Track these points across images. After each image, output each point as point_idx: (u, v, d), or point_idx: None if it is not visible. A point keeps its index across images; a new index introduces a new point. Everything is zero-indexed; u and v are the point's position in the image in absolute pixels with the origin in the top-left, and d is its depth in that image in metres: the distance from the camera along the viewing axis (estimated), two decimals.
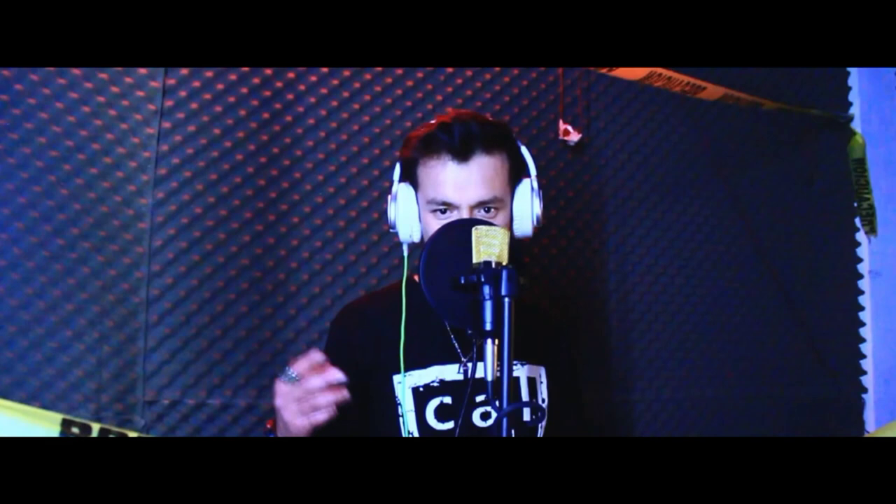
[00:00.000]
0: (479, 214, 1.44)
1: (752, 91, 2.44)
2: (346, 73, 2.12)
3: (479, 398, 1.47)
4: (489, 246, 1.27)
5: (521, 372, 1.51)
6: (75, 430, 1.15)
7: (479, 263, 1.26)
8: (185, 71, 1.95)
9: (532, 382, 1.52)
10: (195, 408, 1.89)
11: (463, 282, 1.25)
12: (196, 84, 1.96)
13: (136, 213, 1.89)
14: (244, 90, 2.00)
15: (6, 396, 1.74)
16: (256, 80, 2.01)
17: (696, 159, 2.52)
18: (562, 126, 2.31)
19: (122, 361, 1.85)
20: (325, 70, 2.08)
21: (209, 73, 1.97)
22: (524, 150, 1.52)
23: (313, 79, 2.07)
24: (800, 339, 2.61)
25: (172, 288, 1.90)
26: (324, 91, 2.08)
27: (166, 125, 1.93)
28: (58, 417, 1.21)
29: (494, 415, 1.47)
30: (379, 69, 2.15)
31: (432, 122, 1.48)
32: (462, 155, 1.42)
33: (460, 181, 1.42)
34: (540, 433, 1.52)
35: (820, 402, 2.61)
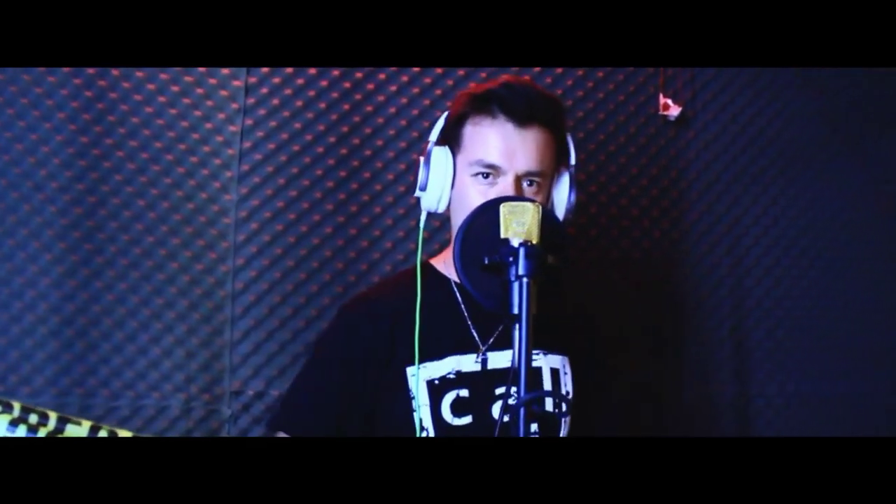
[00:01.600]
0: (524, 186, 1.36)
1: None
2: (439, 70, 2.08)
3: (499, 390, 1.38)
4: (519, 224, 1.19)
5: (542, 362, 1.41)
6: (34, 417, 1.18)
7: (505, 241, 1.18)
8: (265, 69, 1.99)
9: (555, 374, 1.42)
10: (279, 399, 1.92)
11: (487, 262, 1.18)
12: (277, 80, 1.99)
13: (221, 209, 1.95)
14: (324, 83, 2.01)
15: (105, 387, 1.85)
16: (336, 73, 2.02)
17: (818, 132, 2.27)
18: (662, 100, 2.16)
19: (210, 353, 1.91)
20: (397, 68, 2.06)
21: (289, 70, 2.00)
22: (569, 134, 1.44)
23: (384, 75, 2.05)
24: None
25: (256, 281, 1.94)
26: (404, 80, 2.06)
27: (249, 122, 1.97)
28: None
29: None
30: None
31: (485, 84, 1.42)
32: (522, 119, 1.34)
33: (513, 145, 1.34)
34: (564, 428, 1.41)
35: None
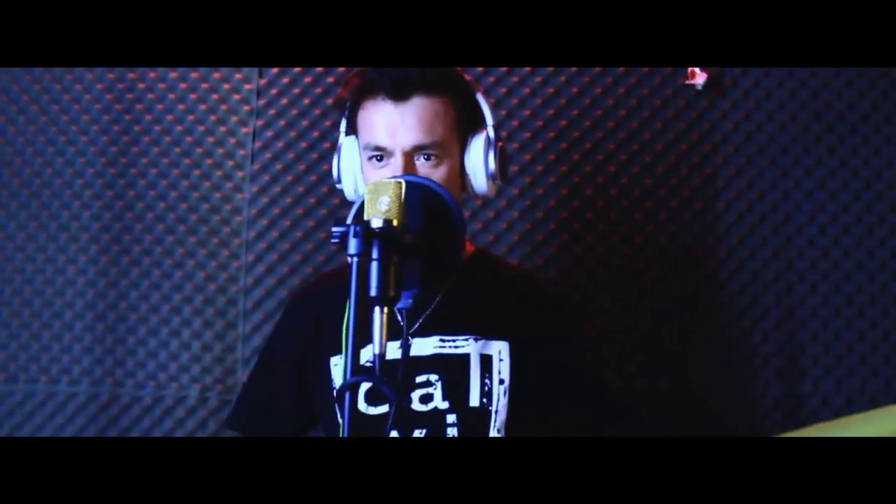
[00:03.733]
0: (419, 163, 1.32)
1: None
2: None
3: (420, 378, 1.32)
4: (378, 203, 1.15)
5: (471, 348, 1.33)
6: None
7: (367, 222, 1.14)
8: (275, 70, 2.05)
9: (486, 360, 1.32)
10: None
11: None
12: (286, 80, 2.04)
13: (235, 208, 2.03)
14: (330, 80, 2.04)
15: (131, 377, 1.99)
16: (342, 70, 2.03)
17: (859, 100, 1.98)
18: (690, 68, 1.98)
19: (223, 346, 1.99)
20: None
21: (297, 69, 2.04)
22: (480, 97, 1.36)
23: None
24: None
25: (267, 276, 2.00)
26: None
27: (259, 123, 2.04)
28: None
29: (437, 396, 1.33)
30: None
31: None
32: (398, 94, 1.31)
33: (394, 123, 1.31)
34: (495, 419, 1.32)
35: None
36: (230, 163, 2.04)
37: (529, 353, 1.36)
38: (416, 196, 1.20)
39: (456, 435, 1.31)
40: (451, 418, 1.31)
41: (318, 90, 2.04)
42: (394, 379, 1.16)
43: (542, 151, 1.98)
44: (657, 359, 1.92)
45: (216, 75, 2.05)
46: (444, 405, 1.32)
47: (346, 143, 1.39)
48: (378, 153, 1.34)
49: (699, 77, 1.95)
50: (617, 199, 1.97)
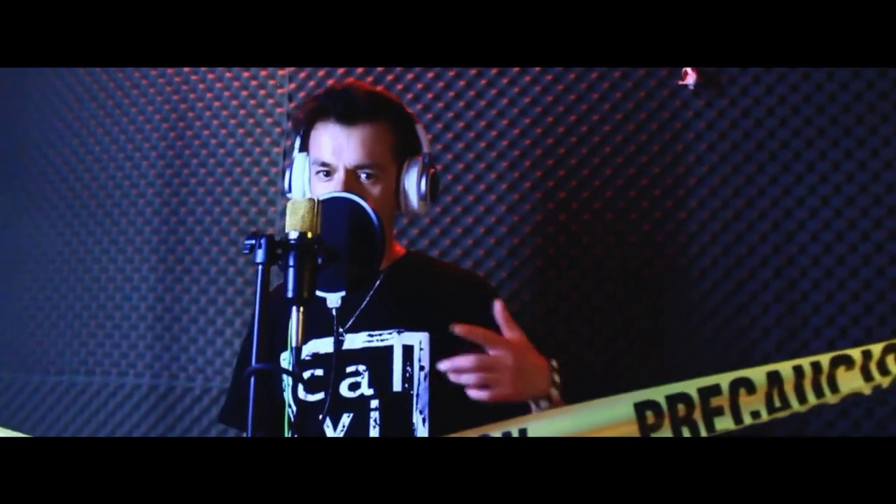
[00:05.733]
0: (362, 179, 1.50)
1: None
2: (473, 71, 2.17)
3: (349, 368, 1.48)
4: (294, 215, 1.31)
5: (394, 340, 1.47)
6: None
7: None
8: (303, 74, 2.24)
9: (408, 350, 1.47)
10: None
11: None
12: (312, 84, 2.23)
13: (269, 220, 2.26)
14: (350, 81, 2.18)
15: (184, 371, 2.26)
16: (360, 71, 2.18)
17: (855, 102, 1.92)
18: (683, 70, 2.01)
19: None
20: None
21: (321, 72, 2.22)
22: (419, 128, 1.55)
23: (412, 74, 2.18)
24: None
25: None
26: (430, 77, 2.16)
27: (290, 124, 2.22)
28: None
29: (363, 384, 1.49)
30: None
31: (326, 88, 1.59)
32: (346, 118, 1.50)
33: (340, 143, 1.50)
34: (417, 402, 1.45)
35: None
36: (266, 160, 2.26)
37: (448, 342, 1.47)
38: (340, 209, 1.36)
39: (378, 417, 1.47)
40: (374, 403, 1.49)
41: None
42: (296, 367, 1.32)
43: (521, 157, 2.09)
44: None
45: (253, 82, 2.28)
46: (370, 392, 1.49)
47: (298, 158, 1.57)
48: (325, 169, 1.51)
49: (690, 77, 1.98)
50: (601, 201, 2.04)
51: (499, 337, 1.39)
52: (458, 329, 1.38)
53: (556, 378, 1.41)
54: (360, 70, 2.21)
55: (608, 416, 1.12)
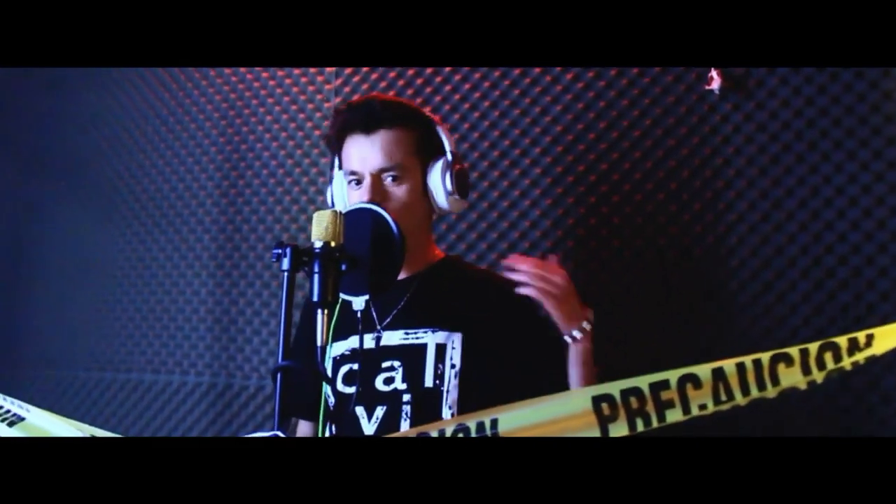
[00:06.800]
0: (387, 184, 1.60)
1: None
2: (497, 72, 2.26)
3: (385, 363, 1.57)
4: (318, 226, 1.42)
5: (428, 339, 1.58)
6: None
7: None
8: (348, 70, 2.35)
9: (440, 349, 1.56)
10: None
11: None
12: (356, 79, 2.33)
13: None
14: (401, 83, 2.27)
15: (240, 370, 2.41)
16: (411, 72, 2.27)
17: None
18: (711, 72, 2.04)
19: None
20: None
21: (365, 69, 2.32)
22: (440, 129, 1.64)
23: (460, 75, 2.25)
24: None
25: None
26: (477, 77, 2.23)
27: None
28: None
29: (397, 379, 1.59)
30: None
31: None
32: (367, 128, 1.61)
33: (364, 151, 1.61)
34: (447, 398, 1.54)
35: None
36: (315, 150, 2.38)
37: (480, 342, 1.59)
38: (363, 219, 1.47)
39: (409, 410, 1.57)
40: (406, 397, 1.58)
41: (393, 93, 2.26)
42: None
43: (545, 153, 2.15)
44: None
45: (303, 79, 2.41)
46: (403, 386, 1.59)
47: (337, 176, 1.70)
48: (355, 178, 1.62)
49: (715, 82, 2.01)
50: (625, 202, 2.09)
51: (553, 265, 1.50)
52: (511, 260, 1.50)
53: (591, 316, 1.52)
54: (392, 74, 2.30)
55: (569, 409, 1.20)
